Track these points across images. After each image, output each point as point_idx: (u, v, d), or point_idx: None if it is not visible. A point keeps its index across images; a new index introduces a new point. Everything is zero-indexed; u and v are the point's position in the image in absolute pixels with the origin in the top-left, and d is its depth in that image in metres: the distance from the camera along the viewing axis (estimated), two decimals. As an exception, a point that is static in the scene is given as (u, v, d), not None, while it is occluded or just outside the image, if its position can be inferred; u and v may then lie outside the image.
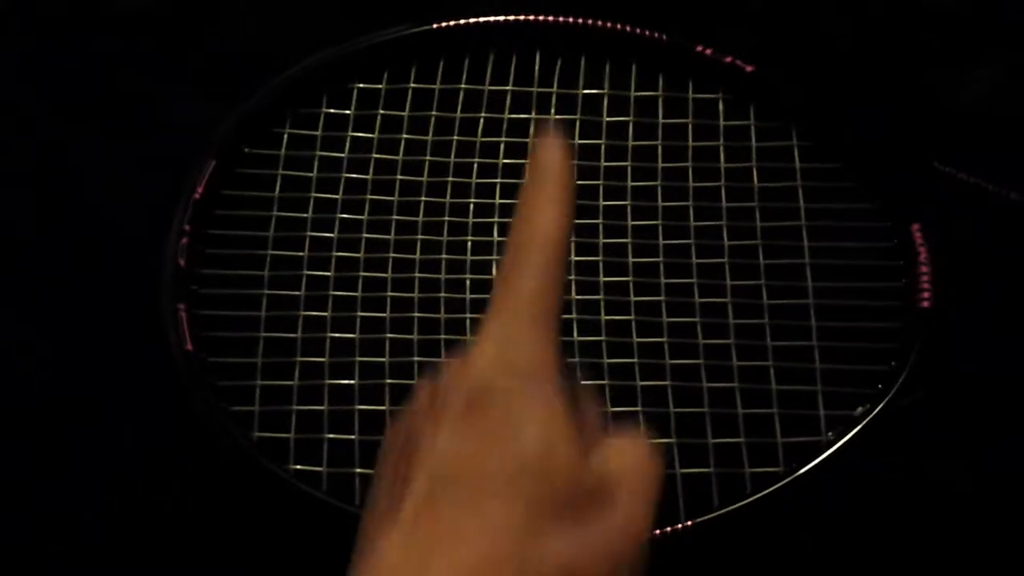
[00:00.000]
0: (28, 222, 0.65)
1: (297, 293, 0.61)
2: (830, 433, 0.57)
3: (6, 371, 0.61)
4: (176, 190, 0.62)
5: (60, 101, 0.68)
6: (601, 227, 0.63)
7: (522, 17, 0.67)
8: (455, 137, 0.65)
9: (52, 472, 0.58)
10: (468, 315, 0.60)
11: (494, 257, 0.62)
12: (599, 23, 0.67)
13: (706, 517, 0.54)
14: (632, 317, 0.60)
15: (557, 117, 0.66)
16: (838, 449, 0.56)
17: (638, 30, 0.67)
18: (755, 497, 0.55)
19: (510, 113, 0.66)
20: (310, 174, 0.64)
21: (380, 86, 0.66)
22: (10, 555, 0.57)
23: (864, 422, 0.56)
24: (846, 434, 0.56)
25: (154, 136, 0.67)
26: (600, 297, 0.61)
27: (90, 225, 0.65)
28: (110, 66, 0.69)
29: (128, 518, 0.57)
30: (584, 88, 0.66)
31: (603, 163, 0.65)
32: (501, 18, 0.67)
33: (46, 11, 0.71)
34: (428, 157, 0.65)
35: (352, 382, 0.59)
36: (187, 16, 0.71)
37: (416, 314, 0.60)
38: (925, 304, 0.59)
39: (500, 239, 0.62)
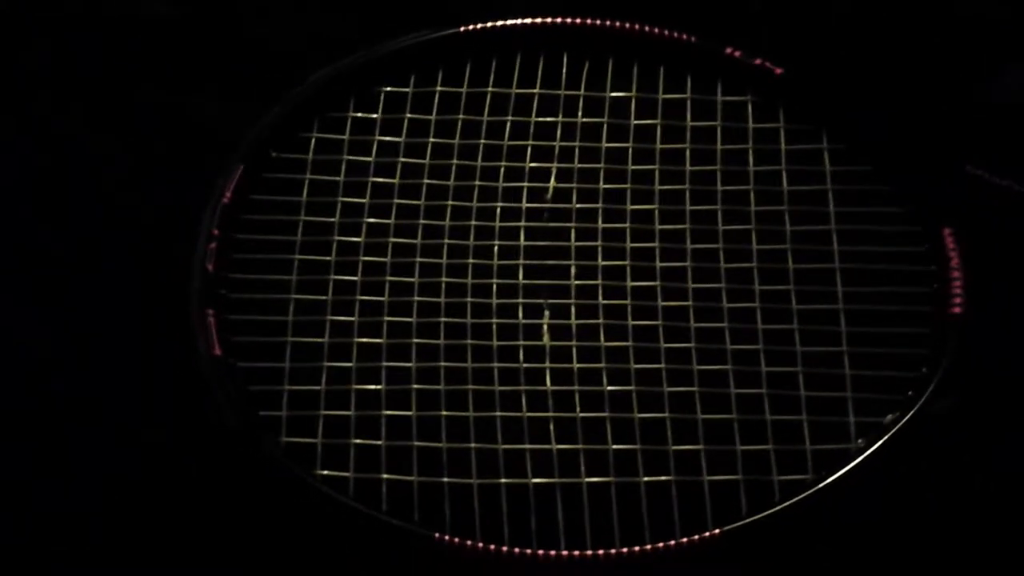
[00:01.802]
0: (50, 225, 0.65)
1: (324, 298, 0.61)
2: (860, 440, 0.56)
3: (7, 371, 0.61)
4: (204, 195, 0.62)
5: (87, 106, 0.69)
6: (628, 231, 0.63)
7: (548, 20, 0.66)
8: (482, 140, 0.65)
9: (52, 472, 0.59)
10: (494, 320, 0.60)
11: (520, 262, 0.62)
12: (626, 25, 0.66)
13: (734, 525, 0.54)
14: (660, 322, 0.60)
15: (584, 120, 0.65)
16: (868, 456, 0.55)
17: (666, 32, 0.66)
18: (784, 505, 0.54)
19: (537, 116, 0.66)
20: (337, 178, 0.64)
21: (407, 90, 0.66)
22: (10, 555, 0.57)
23: (895, 429, 0.56)
24: (876, 441, 0.56)
25: (181, 140, 0.67)
26: (627, 302, 0.61)
27: (95, 227, 0.65)
28: (137, 71, 0.70)
29: (128, 518, 0.58)
30: (611, 91, 0.66)
31: (631, 166, 0.64)
32: (528, 21, 0.67)
33: (68, 14, 0.72)
34: (455, 160, 0.64)
35: (379, 387, 0.59)
36: (212, 21, 0.71)
37: (442, 319, 0.60)
38: (957, 310, 0.58)
39: (527, 243, 0.62)
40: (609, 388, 0.58)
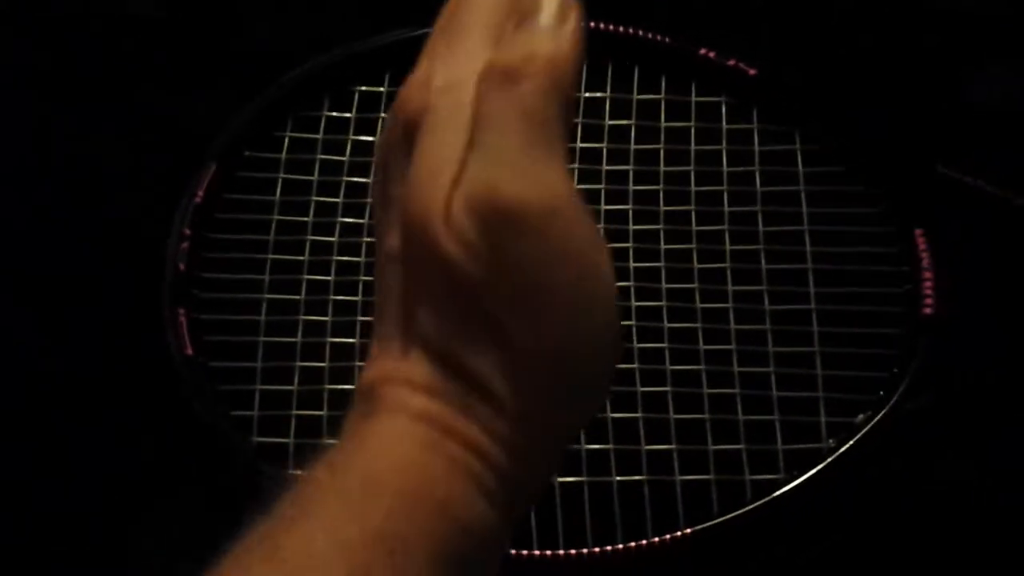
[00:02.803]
0: (32, 223, 0.65)
1: (297, 297, 0.61)
2: (831, 440, 0.56)
3: (7, 372, 0.61)
4: (178, 194, 0.62)
5: (68, 103, 0.68)
6: (602, 231, 0.63)
7: (524, 19, 0.66)
8: (456, 140, 0.65)
9: (52, 472, 0.58)
10: (468, 320, 0.60)
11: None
12: (602, 25, 0.66)
13: (706, 525, 0.54)
14: (633, 322, 0.60)
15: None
16: (839, 456, 0.56)
17: (640, 32, 0.66)
18: (755, 504, 0.54)
19: (511, 116, 0.66)
20: (311, 177, 0.64)
21: (382, 89, 0.66)
22: (10, 555, 0.57)
23: (865, 429, 0.56)
24: (847, 441, 0.56)
25: (164, 139, 0.67)
26: (601, 302, 0.61)
27: (94, 227, 0.65)
28: (120, 69, 0.69)
29: (128, 518, 0.57)
30: (586, 91, 0.66)
31: (605, 167, 0.64)
32: (502, 20, 0.66)
33: (56, 13, 0.71)
34: (429, 160, 0.64)
35: (352, 387, 0.58)
36: (197, 19, 0.71)
37: (416, 319, 0.60)
38: (928, 311, 0.59)
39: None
40: (582, 388, 0.58)
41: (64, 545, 0.57)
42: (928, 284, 0.59)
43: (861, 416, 0.57)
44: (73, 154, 0.67)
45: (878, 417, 0.56)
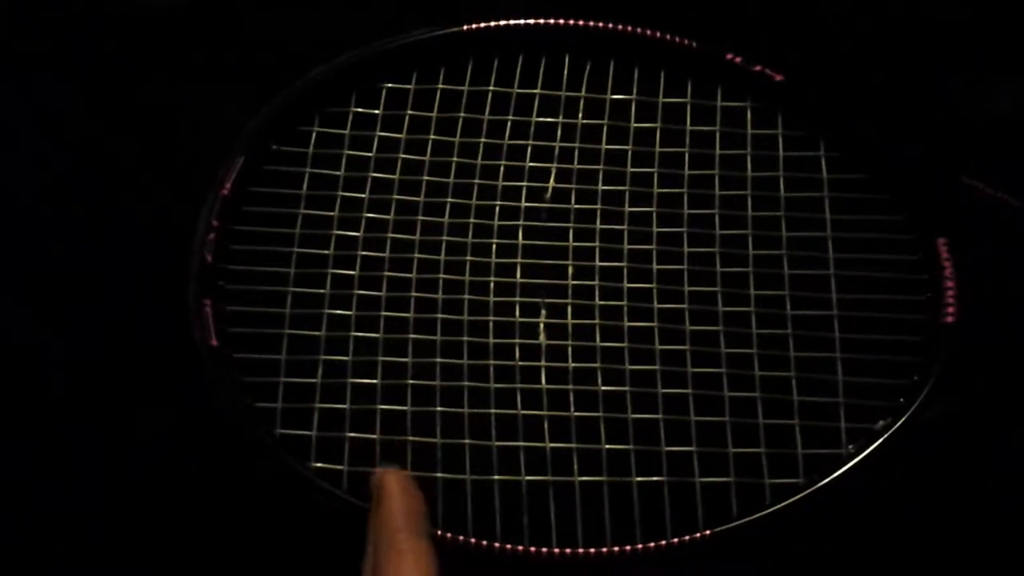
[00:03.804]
0: (30, 221, 0.65)
1: (322, 291, 0.61)
2: (851, 446, 0.57)
3: (7, 372, 0.61)
4: (201, 190, 0.62)
5: (88, 97, 0.69)
6: (626, 233, 0.63)
7: (552, 21, 0.67)
8: (482, 139, 0.65)
9: (52, 472, 0.59)
10: (491, 317, 0.61)
11: (518, 260, 0.62)
12: (629, 28, 0.67)
13: (725, 527, 0.54)
14: (655, 324, 0.60)
15: (584, 121, 0.66)
16: (858, 462, 0.56)
17: (668, 36, 0.67)
18: (775, 508, 0.55)
19: (538, 116, 0.66)
20: (337, 172, 0.64)
21: (409, 86, 0.66)
22: (10, 555, 0.57)
23: (885, 436, 0.56)
24: (867, 447, 0.56)
25: (183, 133, 0.68)
26: (624, 303, 0.61)
27: (94, 225, 0.65)
28: (142, 62, 0.70)
29: (128, 518, 0.58)
30: (612, 93, 0.66)
31: (629, 169, 0.65)
32: (531, 21, 0.67)
33: (71, 10, 0.72)
34: (455, 158, 0.65)
35: (375, 381, 0.59)
36: (216, 13, 0.71)
37: (439, 315, 0.61)
38: (949, 319, 0.59)
39: (524, 242, 0.62)
40: (604, 388, 0.59)
41: (64, 545, 0.57)
42: (950, 292, 0.59)
43: (881, 423, 0.57)
44: (90, 148, 0.67)
45: (898, 424, 0.56)
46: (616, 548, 0.54)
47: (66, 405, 0.60)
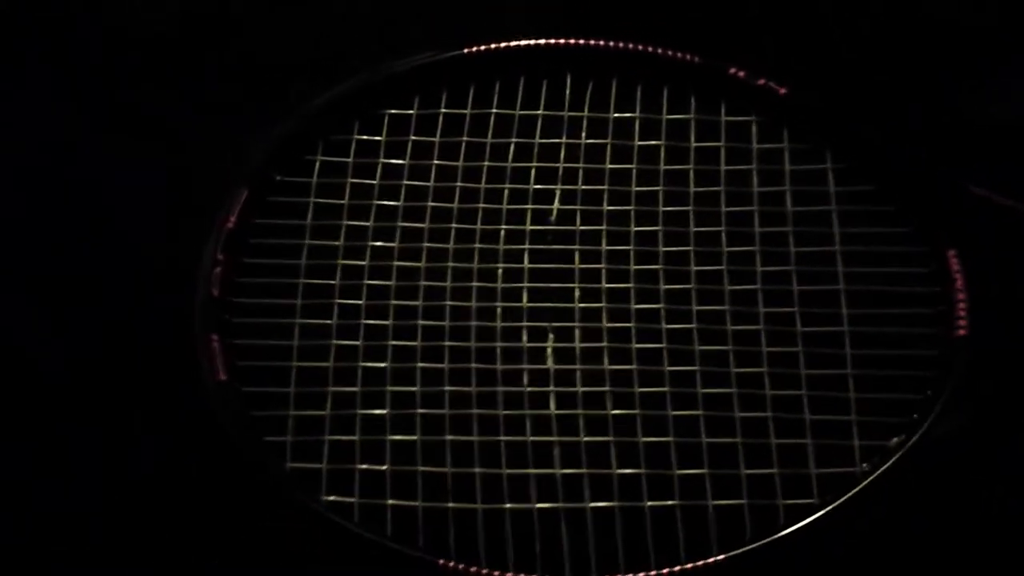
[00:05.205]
0: (34, 224, 0.66)
1: (329, 322, 0.61)
2: (864, 464, 0.56)
3: (7, 372, 0.62)
4: (207, 217, 0.62)
5: (94, 125, 0.69)
6: (632, 253, 0.63)
7: (552, 41, 0.66)
8: (486, 163, 0.65)
9: (52, 472, 0.59)
10: (498, 343, 0.60)
11: (524, 284, 0.62)
12: (630, 45, 0.66)
13: (739, 551, 0.54)
14: (664, 345, 0.60)
15: (588, 141, 0.65)
16: (873, 480, 0.55)
17: (669, 52, 0.66)
18: (789, 530, 0.54)
19: (541, 138, 0.66)
20: (342, 201, 0.64)
21: (411, 112, 0.66)
22: (10, 555, 0.57)
23: (900, 452, 0.56)
24: (882, 465, 0.56)
25: (180, 158, 0.68)
26: (631, 325, 0.61)
27: (96, 229, 0.65)
28: (136, 89, 0.70)
29: (128, 518, 0.58)
30: (615, 111, 0.66)
31: (634, 188, 0.64)
32: (531, 42, 0.66)
33: (73, 34, 0.72)
34: (459, 183, 0.64)
35: (384, 412, 0.59)
36: (208, 36, 0.72)
37: (447, 343, 0.60)
38: (962, 332, 0.58)
39: (531, 266, 0.62)
40: (613, 412, 0.58)
41: (64, 545, 0.57)
42: (962, 305, 0.59)
43: (895, 439, 0.56)
44: (76, 164, 0.68)
45: (913, 440, 0.56)
46: (630, 575, 0.53)
47: (66, 405, 0.60)
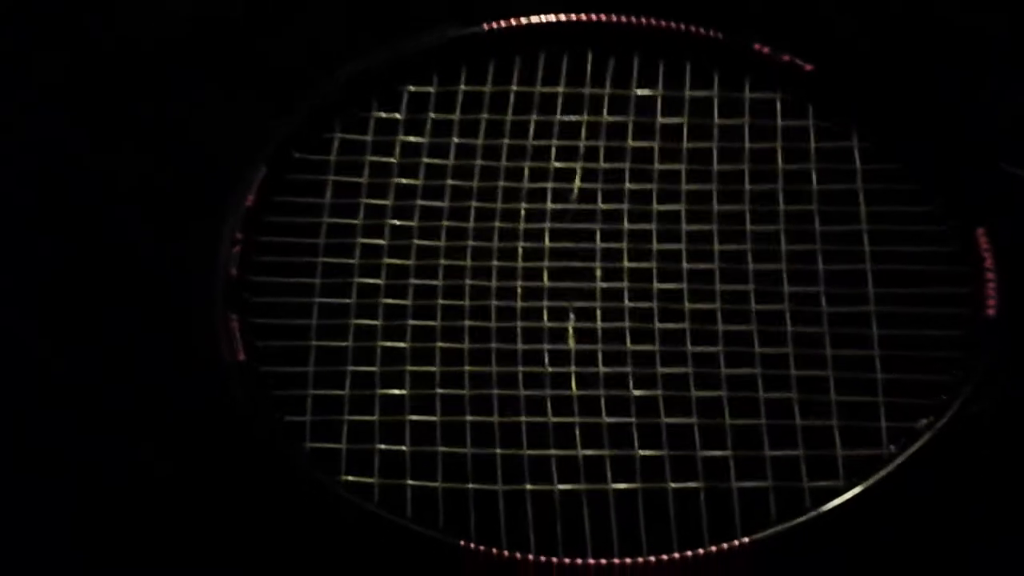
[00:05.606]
0: (33, 223, 0.65)
1: (348, 301, 0.60)
2: (892, 446, 0.55)
3: (8, 372, 0.61)
4: (225, 197, 0.61)
5: (97, 115, 0.69)
6: (655, 232, 0.62)
7: (573, 17, 0.66)
8: (506, 140, 0.64)
9: (52, 472, 0.59)
10: (519, 323, 0.60)
11: (545, 264, 0.61)
12: (652, 21, 0.65)
13: (764, 533, 0.53)
14: (687, 325, 0.59)
15: (609, 119, 0.65)
16: (901, 462, 0.54)
17: (692, 28, 0.65)
18: (815, 512, 0.53)
19: (561, 115, 0.65)
20: (360, 179, 0.63)
21: (430, 89, 0.65)
22: (10, 555, 0.57)
23: (928, 434, 0.55)
24: (909, 447, 0.55)
25: (200, 142, 0.67)
26: (654, 305, 0.60)
27: (95, 228, 0.65)
28: (158, 73, 0.69)
29: (128, 518, 0.58)
30: (636, 88, 0.65)
31: (656, 166, 0.63)
32: (551, 18, 0.66)
33: (80, 27, 0.72)
34: (479, 161, 0.64)
35: (403, 392, 0.58)
36: (233, 22, 0.71)
37: (466, 322, 0.60)
38: (991, 312, 0.57)
39: (551, 245, 0.61)
40: (636, 392, 0.58)
41: (64, 545, 0.57)
42: (991, 284, 0.58)
43: (923, 421, 0.55)
44: (82, 160, 0.67)
45: (941, 421, 0.55)
46: (652, 558, 0.53)
47: (66, 405, 0.60)
